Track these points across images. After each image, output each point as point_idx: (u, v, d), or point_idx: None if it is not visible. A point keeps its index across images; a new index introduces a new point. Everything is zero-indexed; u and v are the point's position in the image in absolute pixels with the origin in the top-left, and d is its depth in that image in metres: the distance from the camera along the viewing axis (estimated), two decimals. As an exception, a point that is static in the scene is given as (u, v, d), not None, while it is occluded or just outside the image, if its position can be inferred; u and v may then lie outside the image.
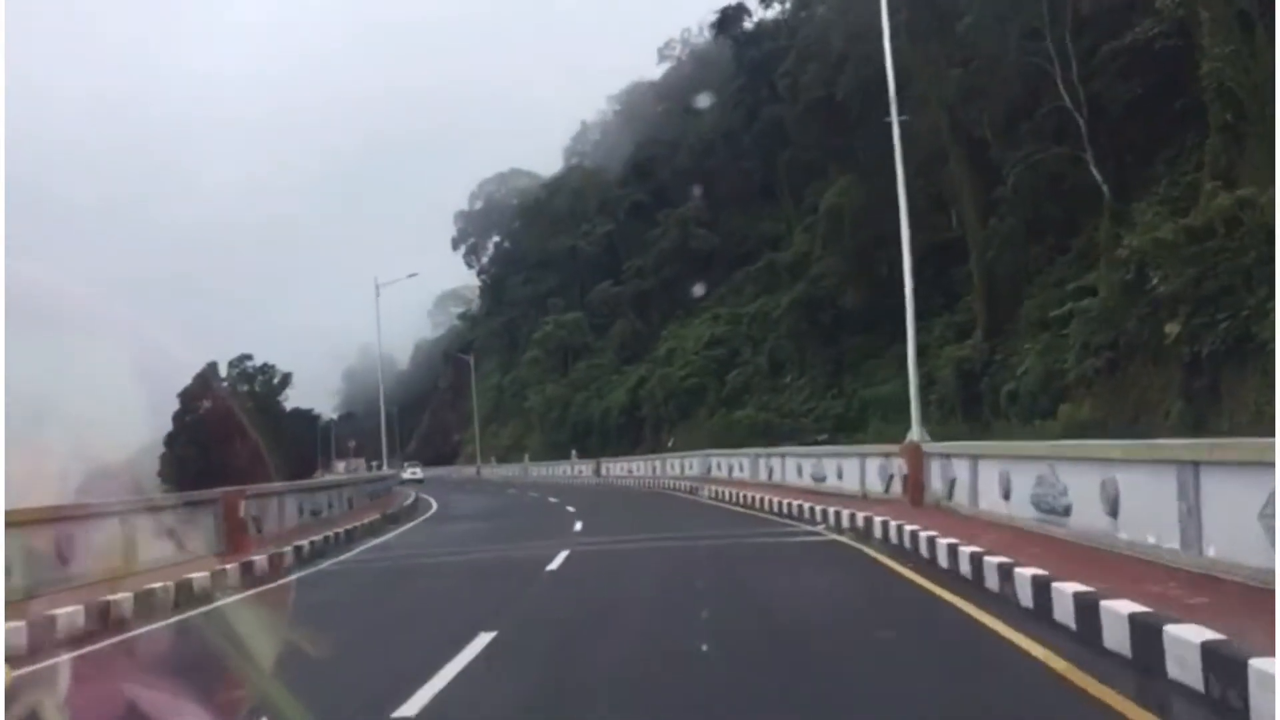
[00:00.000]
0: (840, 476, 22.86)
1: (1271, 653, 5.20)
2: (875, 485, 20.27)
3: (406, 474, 70.50)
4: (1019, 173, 35.27)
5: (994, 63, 36.69)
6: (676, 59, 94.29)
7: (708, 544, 16.34)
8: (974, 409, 34.64)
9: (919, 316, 31.85)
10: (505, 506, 34.00)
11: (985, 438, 23.35)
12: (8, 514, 10.92)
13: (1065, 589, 7.85)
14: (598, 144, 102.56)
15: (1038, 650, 7.19)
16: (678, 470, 43.26)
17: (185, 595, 12.62)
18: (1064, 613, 7.78)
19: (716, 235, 67.99)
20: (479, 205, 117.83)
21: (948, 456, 16.23)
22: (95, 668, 8.61)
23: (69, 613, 10.52)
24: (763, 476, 30.13)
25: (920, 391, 20.70)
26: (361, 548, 19.75)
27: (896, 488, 18.77)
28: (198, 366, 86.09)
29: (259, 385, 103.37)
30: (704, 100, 69.77)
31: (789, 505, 20.89)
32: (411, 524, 26.66)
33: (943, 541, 11.48)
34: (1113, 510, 9.82)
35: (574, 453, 66.06)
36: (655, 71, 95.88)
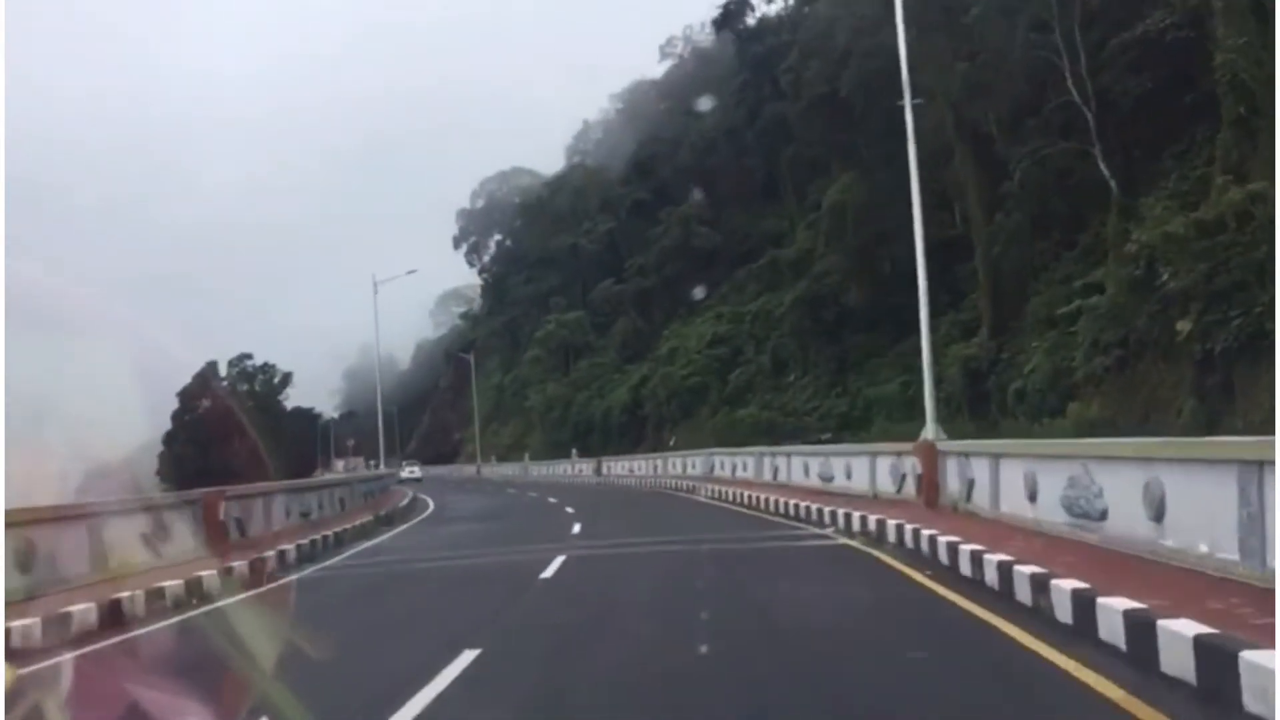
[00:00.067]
0: (849, 476, 22.13)
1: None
2: (886, 486, 19.52)
3: (405, 473, 70.02)
4: (1025, 168, 35.06)
5: (1000, 56, 36.32)
6: (679, 56, 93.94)
7: (711, 548, 15.58)
8: (981, 407, 34.24)
9: (924, 314, 31.58)
10: (503, 507, 33.26)
11: (993, 437, 22.72)
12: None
13: (1113, 605, 7.05)
14: (600, 142, 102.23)
15: (1087, 675, 6.40)
16: (680, 470, 42.66)
17: (156, 605, 11.85)
18: (1112, 632, 6.98)
19: (719, 233, 67.70)
20: (481, 204, 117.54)
21: (966, 455, 15.41)
22: (35, 684, 7.82)
23: (23, 625, 9.75)
24: (767, 476, 29.45)
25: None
26: (350, 551, 18.95)
27: (909, 488, 18.00)
28: (197, 366, 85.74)
29: (259, 384, 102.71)
30: (705, 103, 69.64)
31: (796, 506, 20.14)
32: (405, 526, 25.92)
33: (965, 548, 10.66)
34: (1157, 515, 8.98)
35: (574, 452, 65.51)
36: (657, 69, 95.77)
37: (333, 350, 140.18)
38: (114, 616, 10.92)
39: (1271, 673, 5.13)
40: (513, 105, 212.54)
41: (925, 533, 12.59)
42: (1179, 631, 6.19)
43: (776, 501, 21.95)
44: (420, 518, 29.39)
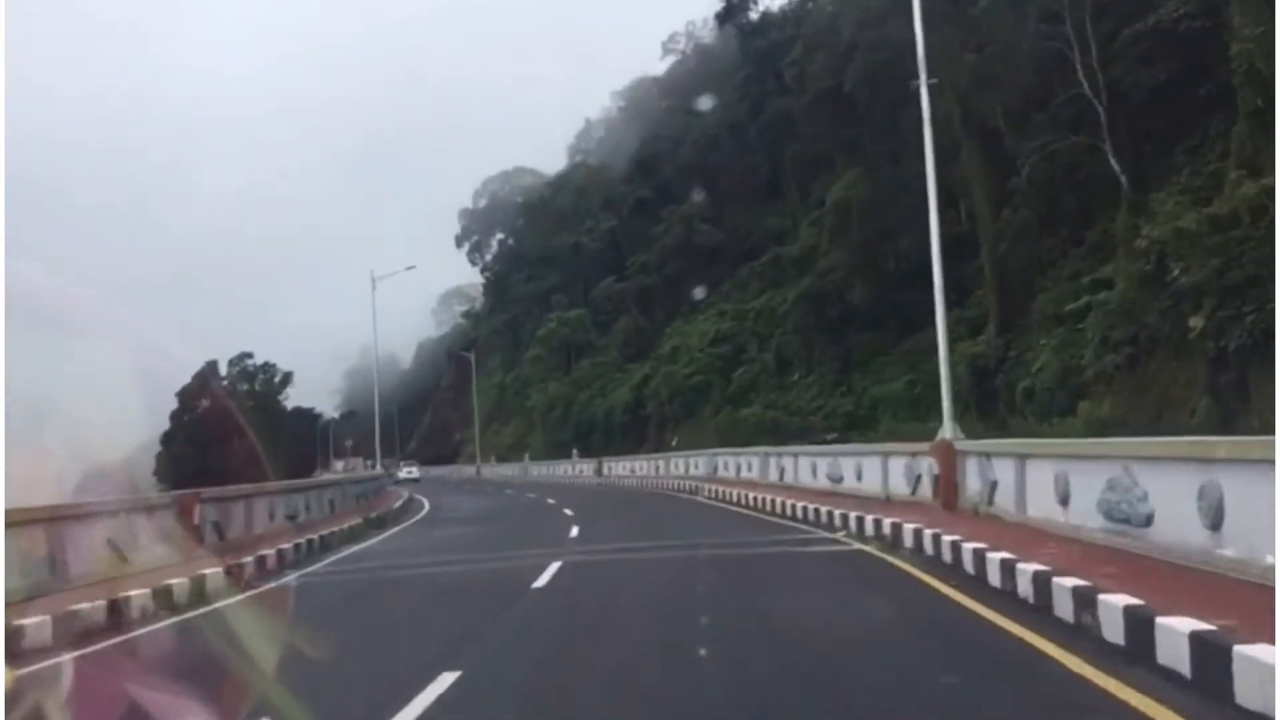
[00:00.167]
0: (860, 478, 21.32)
1: None
2: (900, 487, 18.70)
3: (402, 473, 69.44)
4: (1034, 163, 34.67)
5: (1009, 49, 35.74)
6: (681, 53, 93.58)
7: (715, 553, 14.78)
8: (989, 406, 33.69)
9: (929, 311, 30.75)
10: (500, 508, 32.47)
11: (1001, 436, 22.04)
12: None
13: (1174, 626, 6.18)
14: (602, 141, 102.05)
15: (1153, 708, 5.55)
16: (683, 470, 41.93)
17: (119, 617, 11.01)
18: (1173, 656, 6.12)
19: (721, 231, 67.33)
20: (483, 203, 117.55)
21: (987, 456, 14.53)
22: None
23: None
24: (773, 477, 28.67)
25: (934, 389, 19.29)
26: (335, 556, 18.08)
27: (925, 490, 17.14)
28: (197, 365, 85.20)
29: (259, 384, 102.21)
30: (706, 103, 69.37)
31: (804, 509, 19.32)
32: (397, 528, 25.11)
33: (994, 556, 9.76)
34: (1214, 522, 8.08)
35: (575, 452, 64.80)
36: (659, 66, 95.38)
37: (334, 350, 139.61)
38: (66, 633, 10.03)
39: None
40: (514, 104, 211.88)
41: (946, 538, 11.71)
42: (1256, 658, 5.35)
43: (784, 504, 21.15)
44: (413, 520, 28.56)
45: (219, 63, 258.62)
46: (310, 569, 16.15)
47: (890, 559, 12.70)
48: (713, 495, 28.96)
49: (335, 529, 20.92)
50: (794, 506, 20.15)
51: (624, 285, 74.58)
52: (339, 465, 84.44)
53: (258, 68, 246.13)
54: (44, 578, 11.71)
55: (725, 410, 52.62)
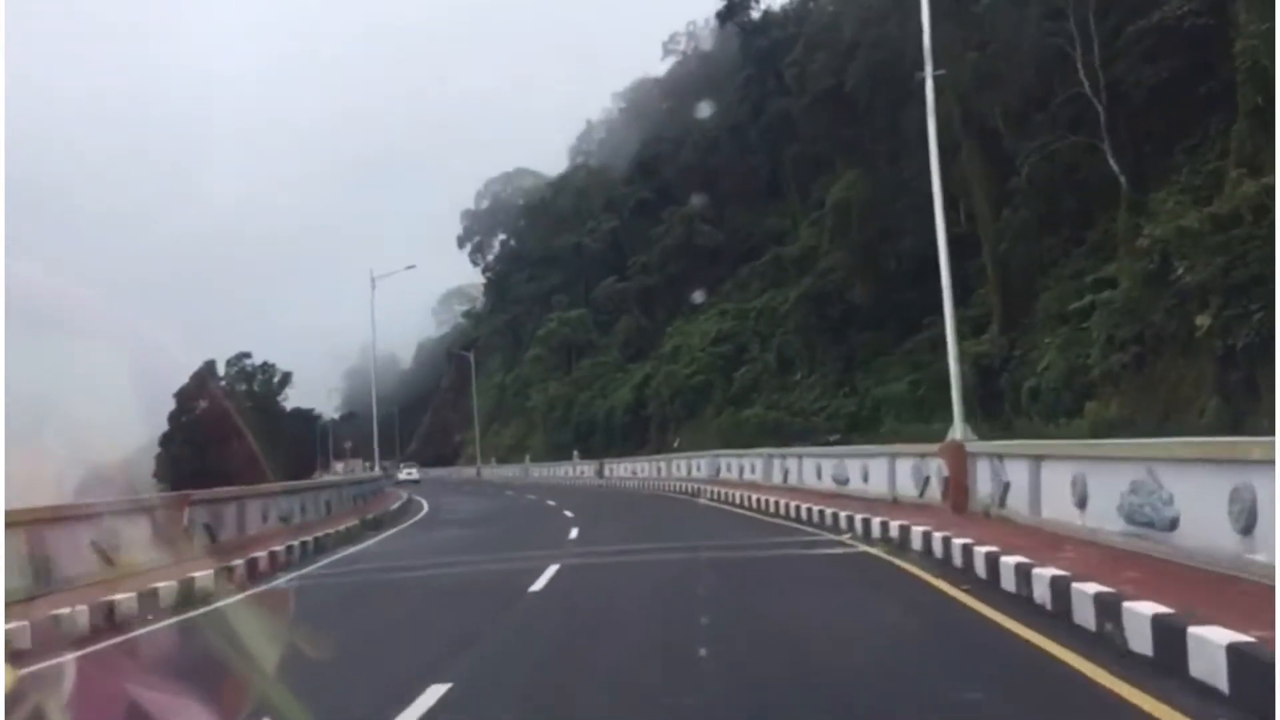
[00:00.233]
0: (866, 479, 20.97)
1: None
2: (908, 489, 18.35)
3: (402, 475, 69.18)
4: (1034, 163, 34.55)
5: (1011, 46, 35.42)
6: (682, 54, 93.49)
7: (717, 556, 14.46)
8: (993, 406, 33.37)
9: (930, 311, 30.57)
10: (499, 510, 32.13)
11: (1007, 437, 21.75)
12: None
13: (1210, 637, 5.82)
14: (603, 142, 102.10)
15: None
16: (684, 471, 41.59)
17: (101, 622, 10.66)
18: (1208, 669, 5.75)
19: (722, 231, 67.15)
20: (485, 204, 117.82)
21: (999, 457, 14.15)
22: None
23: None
24: (777, 479, 28.31)
25: (938, 389, 18.97)
26: (329, 559, 17.74)
27: (934, 492, 16.78)
28: (195, 366, 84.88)
29: (258, 384, 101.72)
30: (705, 109, 69.02)
31: (809, 510, 18.98)
32: (393, 530, 24.77)
33: (1008, 560, 9.39)
34: (1246, 526, 7.70)
35: (576, 453, 64.48)
36: (660, 67, 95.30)
37: (333, 350, 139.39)
38: (48, 640, 9.68)
39: None
40: (516, 106, 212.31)
41: (957, 541, 11.34)
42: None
43: (788, 505, 20.81)
44: (411, 521, 28.23)
45: (220, 63, 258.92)
46: (304, 571, 15.82)
47: (898, 561, 12.35)
48: (715, 497, 28.64)
49: (331, 531, 20.60)
50: (798, 508, 19.82)
51: (625, 285, 74.35)
52: (338, 466, 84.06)
53: (258, 68, 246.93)
54: (25, 582, 11.35)
55: (727, 411, 52.33)
